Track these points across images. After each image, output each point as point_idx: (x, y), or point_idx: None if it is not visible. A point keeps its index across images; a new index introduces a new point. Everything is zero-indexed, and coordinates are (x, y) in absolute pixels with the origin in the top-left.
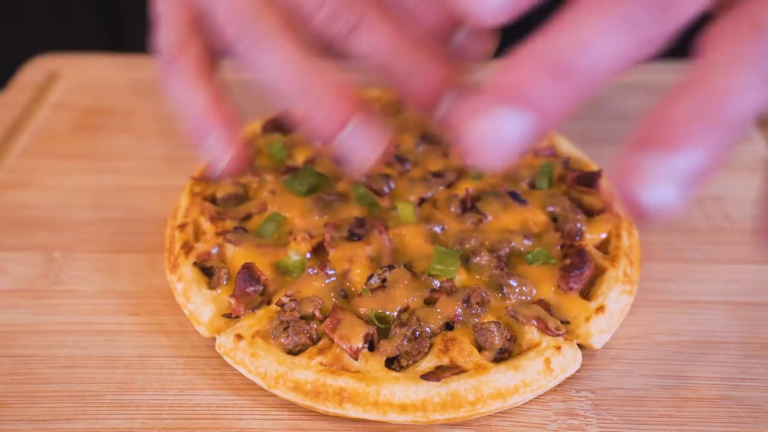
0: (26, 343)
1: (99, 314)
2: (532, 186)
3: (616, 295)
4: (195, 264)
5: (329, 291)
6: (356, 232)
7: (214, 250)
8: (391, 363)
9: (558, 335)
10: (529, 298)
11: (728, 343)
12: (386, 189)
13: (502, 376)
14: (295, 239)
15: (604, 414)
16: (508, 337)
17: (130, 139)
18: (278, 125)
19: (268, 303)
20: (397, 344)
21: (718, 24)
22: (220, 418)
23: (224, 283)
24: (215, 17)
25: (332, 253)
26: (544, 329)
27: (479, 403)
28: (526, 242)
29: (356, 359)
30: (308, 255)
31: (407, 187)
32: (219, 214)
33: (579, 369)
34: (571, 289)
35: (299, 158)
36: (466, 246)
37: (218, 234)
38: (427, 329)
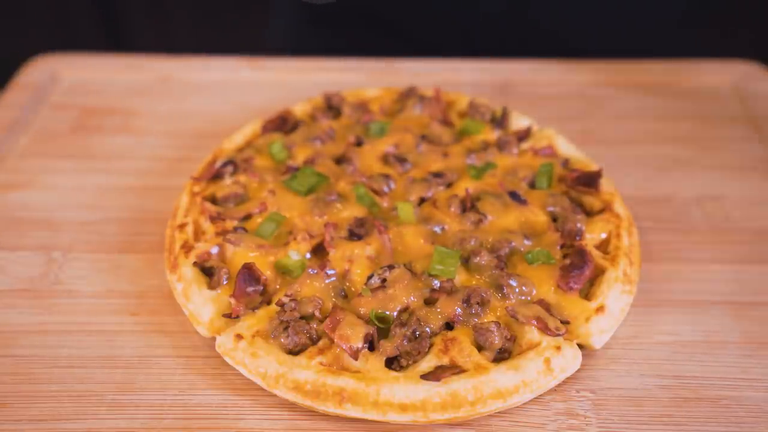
0: (26, 343)
1: (99, 314)
2: (532, 186)
3: (616, 295)
4: (195, 264)
5: (329, 291)
6: (356, 232)
7: (214, 250)
8: (391, 363)
9: (558, 335)
10: (529, 298)
11: (728, 343)
12: (386, 189)
13: (501, 376)
14: (295, 239)
15: (604, 414)
16: (508, 337)
17: (130, 139)
18: (278, 125)
19: (268, 303)
20: (397, 344)
21: None
22: (220, 418)
23: (224, 283)
24: None
25: (332, 253)
26: (544, 329)
27: (479, 403)
28: (526, 242)
29: (356, 359)
30: (308, 255)
31: (407, 187)
32: (219, 214)
33: (579, 369)
34: (571, 289)
35: (299, 158)
36: (466, 246)
37: (218, 234)
38: (427, 329)
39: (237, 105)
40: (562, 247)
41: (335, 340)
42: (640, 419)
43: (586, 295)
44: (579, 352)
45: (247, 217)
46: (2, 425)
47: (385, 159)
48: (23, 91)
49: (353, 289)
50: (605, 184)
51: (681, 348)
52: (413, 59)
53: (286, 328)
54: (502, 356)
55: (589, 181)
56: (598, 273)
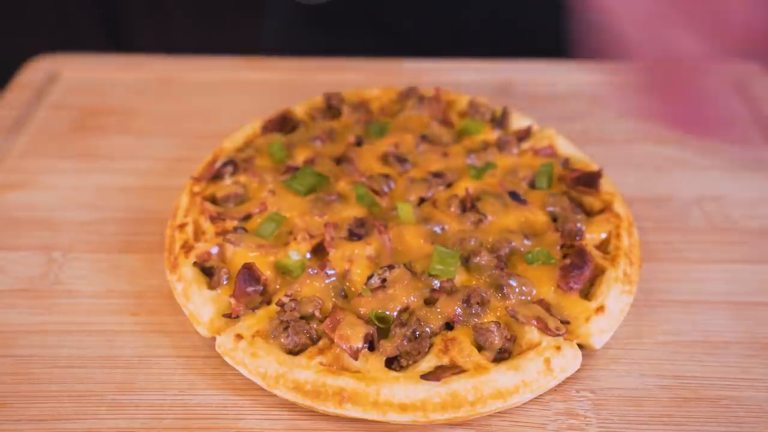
0: (26, 343)
1: (99, 314)
2: (532, 186)
3: (616, 295)
4: (195, 264)
5: (329, 291)
6: (356, 232)
7: (214, 250)
8: (391, 363)
9: (558, 335)
10: (529, 298)
11: (728, 343)
12: (386, 189)
13: (501, 376)
14: (295, 239)
15: (604, 414)
16: (508, 337)
17: (130, 139)
18: (278, 125)
19: (268, 303)
20: (397, 344)
21: None
22: (220, 418)
23: (224, 283)
24: None
25: (332, 253)
26: (544, 329)
27: (479, 403)
28: (526, 242)
29: (356, 359)
30: (308, 255)
31: (407, 187)
32: (219, 214)
33: (579, 369)
34: (571, 289)
35: (299, 158)
36: (466, 246)
37: (218, 234)
38: (427, 329)
39: (237, 105)
40: (562, 247)
41: (335, 340)
42: (640, 419)
43: (586, 295)
44: (579, 352)
45: (247, 217)
46: (2, 425)
47: (385, 159)
48: (23, 91)
49: (353, 289)
50: (605, 184)
51: (681, 348)
52: (413, 59)
53: (286, 328)
54: (502, 356)
55: (589, 181)
56: (598, 273)
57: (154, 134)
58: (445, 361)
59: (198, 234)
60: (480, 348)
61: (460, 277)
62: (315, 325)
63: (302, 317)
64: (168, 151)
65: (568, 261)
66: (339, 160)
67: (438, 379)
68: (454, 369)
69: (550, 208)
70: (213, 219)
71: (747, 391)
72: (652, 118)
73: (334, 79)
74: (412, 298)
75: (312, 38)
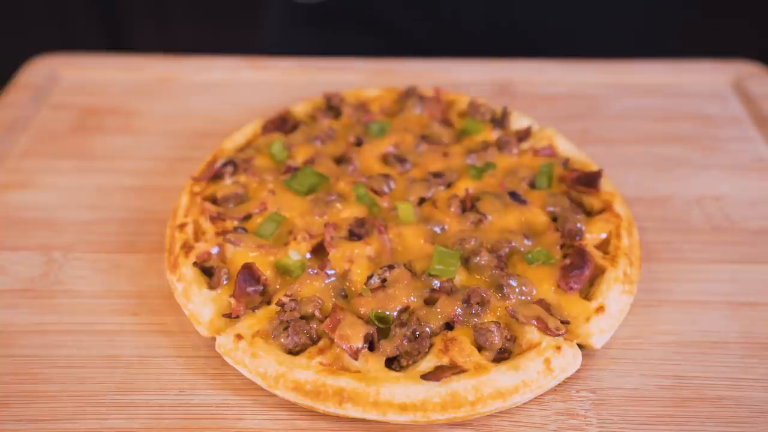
0: (26, 343)
1: (99, 314)
2: (532, 186)
3: (616, 295)
4: (195, 264)
5: (329, 291)
6: (356, 232)
7: (214, 250)
8: (391, 363)
9: (558, 335)
10: (529, 298)
11: (728, 343)
12: (386, 189)
13: (502, 376)
14: (295, 239)
15: (604, 414)
16: (508, 337)
17: (130, 139)
18: (278, 125)
19: (268, 303)
20: (397, 344)
21: None
22: (220, 418)
23: (224, 283)
24: None
25: (332, 253)
26: (544, 329)
27: (479, 403)
28: (526, 242)
29: (356, 359)
30: (308, 255)
31: (407, 187)
32: (219, 214)
33: (579, 369)
34: (571, 289)
35: (299, 158)
36: (466, 246)
37: (218, 234)
38: (427, 329)
39: (237, 105)
40: (562, 247)
41: (335, 340)
42: (640, 419)
43: (586, 295)
44: (579, 352)
45: (247, 217)
46: (2, 425)
47: (385, 159)
48: (23, 91)
49: (353, 289)
50: (605, 184)
51: (681, 348)
52: (413, 59)
53: (286, 328)
54: (502, 356)
55: (589, 181)
56: (598, 273)
57: (154, 134)
58: (445, 361)
59: (198, 234)
60: (480, 348)
61: (460, 277)
62: (315, 325)
63: (302, 317)
64: (168, 151)
65: (568, 261)
66: (339, 160)
67: (438, 379)
68: (454, 369)
69: (550, 208)
70: (213, 219)
71: (747, 391)
72: None
73: (334, 79)
74: (412, 298)
75: (312, 38)
